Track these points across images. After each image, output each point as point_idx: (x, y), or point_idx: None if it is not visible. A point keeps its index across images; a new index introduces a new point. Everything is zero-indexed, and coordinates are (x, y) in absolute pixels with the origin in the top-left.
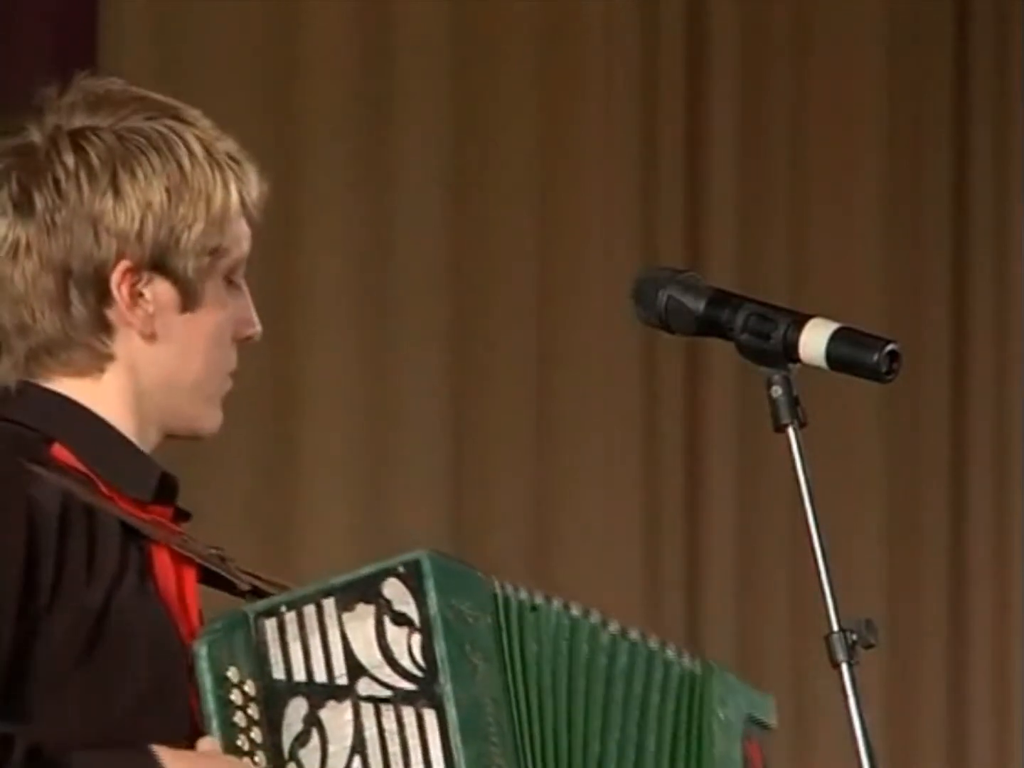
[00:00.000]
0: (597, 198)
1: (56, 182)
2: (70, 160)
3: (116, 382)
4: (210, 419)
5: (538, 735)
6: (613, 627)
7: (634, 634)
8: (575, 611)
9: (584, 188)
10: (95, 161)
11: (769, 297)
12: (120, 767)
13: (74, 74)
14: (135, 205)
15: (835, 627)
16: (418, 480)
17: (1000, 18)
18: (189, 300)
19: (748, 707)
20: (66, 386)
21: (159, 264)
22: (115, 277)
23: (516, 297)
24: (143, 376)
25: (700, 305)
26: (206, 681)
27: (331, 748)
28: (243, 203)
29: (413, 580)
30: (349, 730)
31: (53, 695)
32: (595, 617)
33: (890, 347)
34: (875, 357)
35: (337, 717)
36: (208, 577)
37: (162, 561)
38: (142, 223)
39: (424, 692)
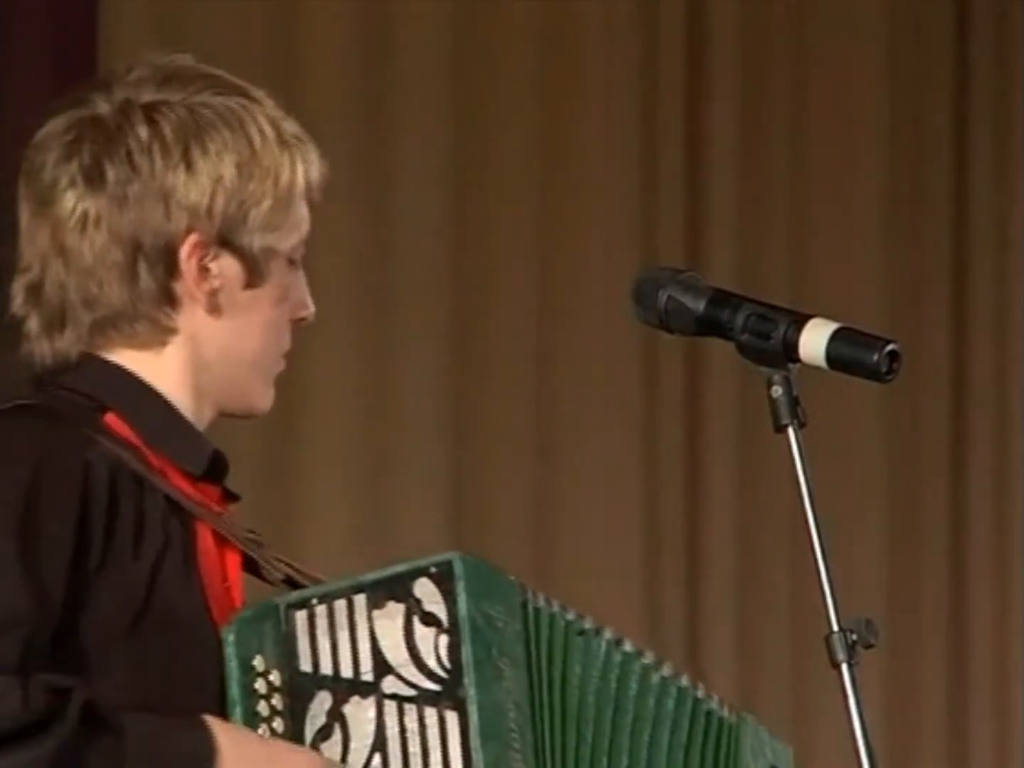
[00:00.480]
0: (597, 198)
1: (129, 155)
2: (144, 132)
3: (177, 356)
4: (263, 397)
5: (560, 748)
6: (666, 670)
7: (684, 680)
8: (628, 647)
9: (584, 188)
10: (168, 134)
11: (769, 297)
12: (173, 735)
13: (74, 74)
14: (206, 179)
15: (835, 627)
16: (418, 480)
17: (1000, 18)
18: (254, 277)
19: (773, 759)
20: (127, 358)
21: (227, 239)
22: (184, 251)
23: (516, 297)
24: (204, 350)
25: (700, 305)
26: (232, 668)
27: (352, 744)
28: (308, 184)
29: (444, 581)
30: (371, 727)
31: (99, 661)
32: (648, 658)
33: (890, 347)
34: (875, 357)
35: (361, 713)
36: (245, 563)
37: (205, 540)
38: (212, 198)
39: (448, 694)
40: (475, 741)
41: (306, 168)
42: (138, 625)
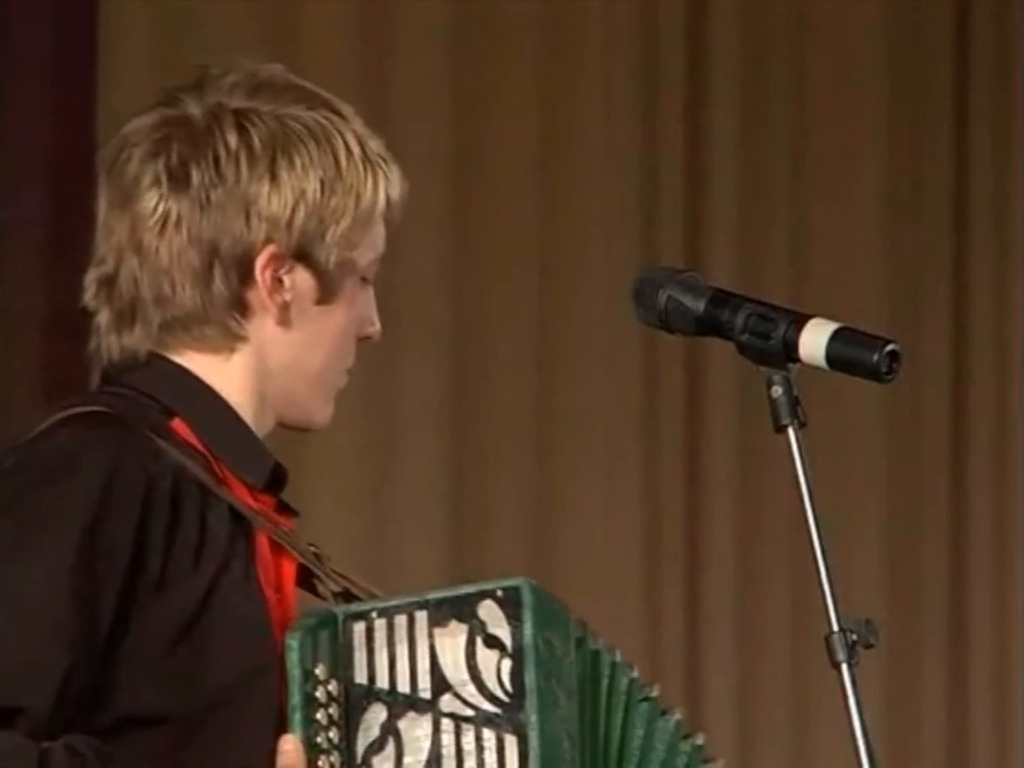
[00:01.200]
0: (597, 198)
1: (216, 159)
2: (233, 139)
3: (244, 363)
4: (323, 412)
5: None
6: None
7: None
8: (683, 732)
9: (584, 188)
10: (256, 143)
11: (769, 297)
12: None
13: (74, 75)
14: (289, 192)
15: (835, 627)
16: (418, 480)
17: (1000, 18)
18: (326, 293)
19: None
20: (195, 361)
21: (303, 254)
22: (260, 261)
23: (516, 297)
24: (270, 360)
25: (700, 305)
26: (295, 674)
27: (407, 759)
28: (388, 204)
29: (510, 606)
30: (427, 744)
31: (142, 675)
32: (700, 739)
33: (890, 347)
34: (875, 357)
35: (415, 729)
36: (300, 577)
37: (263, 550)
38: (294, 211)
39: (508, 717)
40: (534, 766)
41: (388, 187)
42: (186, 637)
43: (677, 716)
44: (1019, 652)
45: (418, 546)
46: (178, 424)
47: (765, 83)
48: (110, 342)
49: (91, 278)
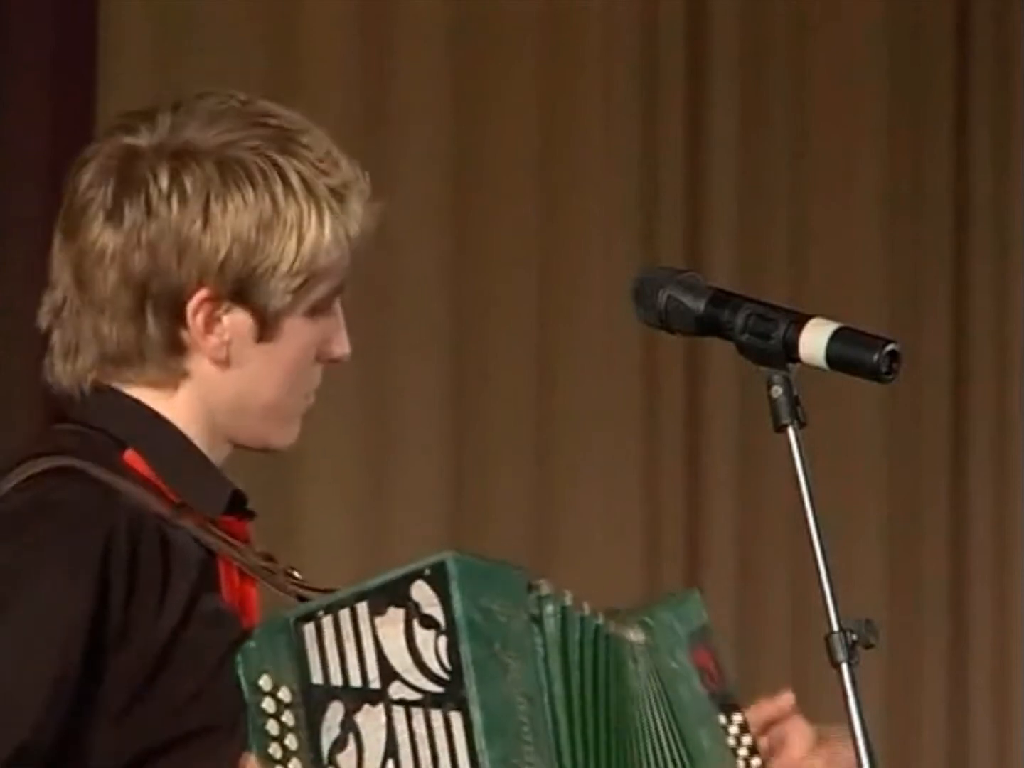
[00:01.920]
0: (597, 198)
1: (148, 199)
2: (164, 181)
3: (188, 397)
4: (282, 437)
5: (591, 738)
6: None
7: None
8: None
9: (584, 188)
10: (188, 187)
11: (769, 297)
12: None
13: (74, 75)
14: (222, 236)
15: (835, 627)
16: (418, 481)
17: (1000, 18)
18: (267, 332)
19: (684, 630)
20: (143, 394)
21: (240, 296)
22: (192, 304)
23: (516, 297)
24: (213, 396)
25: (700, 305)
26: (243, 689)
27: (366, 753)
28: (337, 239)
29: (439, 582)
30: (383, 734)
31: (114, 726)
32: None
33: (890, 347)
34: (875, 357)
35: (371, 721)
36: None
37: (228, 575)
38: (227, 256)
39: (450, 695)
40: (480, 739)
41: (337, 224)
42: (156, 681)
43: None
44: (1019, 652)
45: (418, 546)
46: (131, 456)
47: (765, 83)
48: (61, 368)
49: (46, 298)
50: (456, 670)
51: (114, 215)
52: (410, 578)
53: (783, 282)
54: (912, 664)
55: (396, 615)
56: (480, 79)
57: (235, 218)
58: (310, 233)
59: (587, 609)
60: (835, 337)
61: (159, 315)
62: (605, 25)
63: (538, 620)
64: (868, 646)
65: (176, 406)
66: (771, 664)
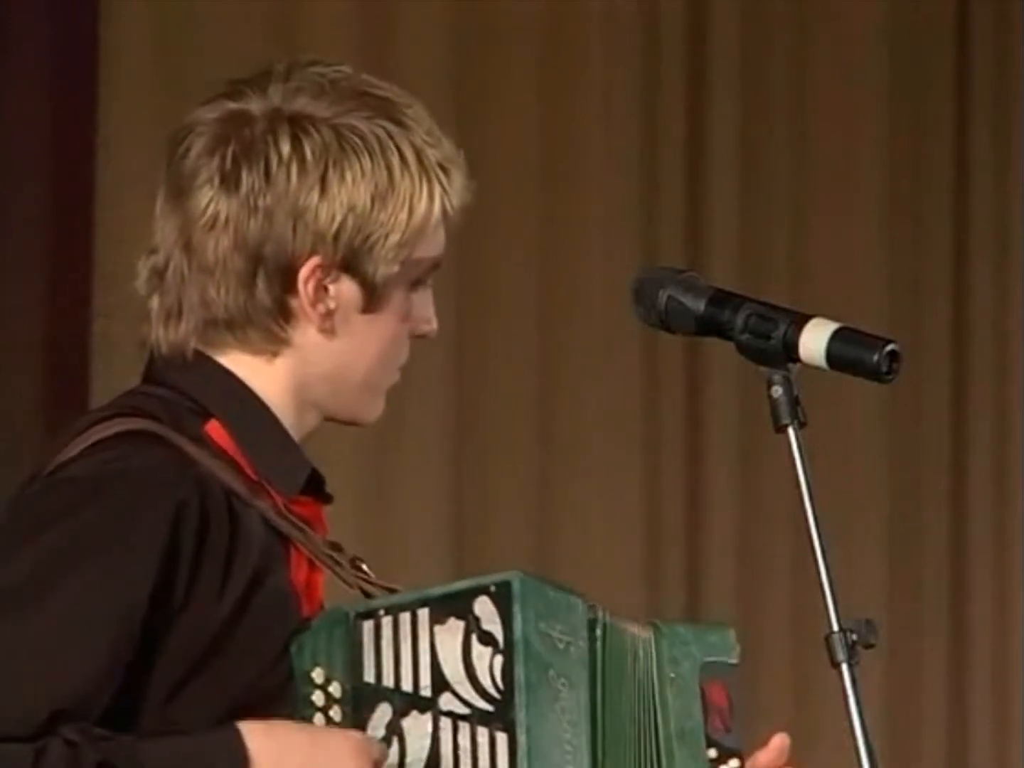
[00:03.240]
0: (597, 198)
1: (268, 166)
2: (285, 147)
3: (286, 366)
4: (371, 410)
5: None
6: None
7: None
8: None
9: (584, 188)
10: (308, 154)
11: (769, 297)
12: (197, 757)
13: (74, 75)
14: (338, 206)
15: (835, 627)
16: (419, 480)
17: (1000, 18)
18: (372, 302)
19: (703, 654)
20: (237, 362)
21: (350, 265)
22: (303, 272)
23: (516, 297)
24: (314, 367)
25: (700, 305)
26: (297, 678)
27: (408, 759)
28: (445, 212)
29: (502, 601)
30: (427, 743)
31: (167, 700)
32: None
33: (890, 347)
34: (875, 357)
35: (418, 728)
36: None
37: (298, 560)
38: (341, 225)
39: (499, 714)
40: (523, 763)
41: (445, 197)
42: (215, 657)
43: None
44: (1019, 652)
45: (420, 544)
46: (213, 427)
47: (765, 84)
48: (159, 334)
49: (143, 264)
50: (508, 690)
51: (229, 180)
52: (474, 592)
53: (783, 282)
54: (912, 664)
55: (456, 626)
56: (480, 79)
57: (352, 187)
58: (420, 205)
59: (635, 627)
60: (835, 337)
61: (270, 281)
62: (606, 25)
63: (594, 649)
64: (868, 646)
65: (271, 376)
66: (771, 664)
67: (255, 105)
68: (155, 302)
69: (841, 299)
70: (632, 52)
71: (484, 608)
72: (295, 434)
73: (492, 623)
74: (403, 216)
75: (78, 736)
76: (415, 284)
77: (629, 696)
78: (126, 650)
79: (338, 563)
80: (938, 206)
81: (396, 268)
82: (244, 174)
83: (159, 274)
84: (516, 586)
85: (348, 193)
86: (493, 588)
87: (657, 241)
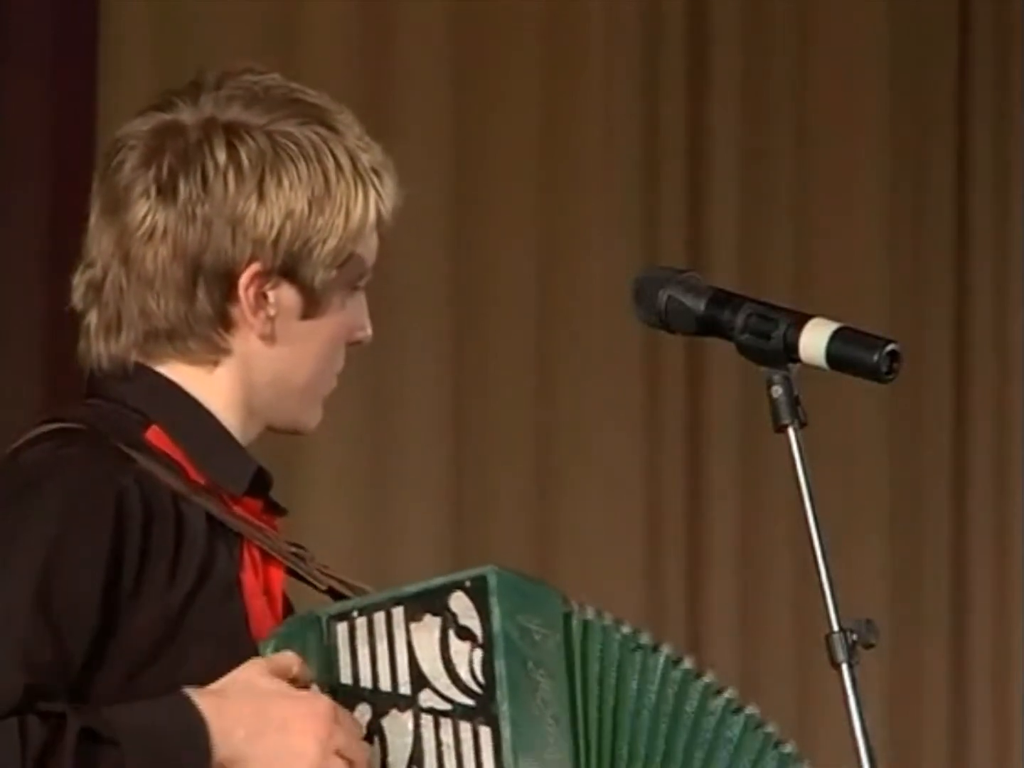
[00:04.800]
0: (597, 198)
1: (204, 175)
2: (222, 155)
3: (228, 375)
4: (312, 417)
5: (608, 763)
6: (729, 693)
7: (750, 708)
8: (687, 665)
9: (584, 188)
10: (245, 161)
11: (770, 298)
12: (163, 726)
13: (74, 74)
14: (276, 212)
15: (835, 627)
16: (419, 479)
17: (1000, 19)
18: (312, 308)
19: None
20: (179, 372)
21: (289, 271)
22: (243, 279)
23: (516, 297)
24: (255, 374)
25: (700, 305)
26: None
27: (390, 757)
28: (379, 217)
29: (478, 595)
30: (408, 740)
31: (118, 692)
32: (710, 679)
33: (890, 347)
34: (875, 357)
35: (398, 727)
36: (295, 572)
37: (251, 557)
38: (280, 231)
39: (481, 709)
40: (508, 756)
41: (379, 202)
42: (165, 652)
43: (686, 665)
44: (1019, 652)
45: (419, 543)
46: (154, 433)
47: (767, 83)
48: (98, 348)
49: (80, 279)
50: (489, 685)
51: (166, 191)
52: (449, 588)
53: (784, 282)
54: (912, 664)
55: (432, 623)
56: (480, 79)
57: (290, 193)
58: (357, 210)
59: (608, 619)
60: (835, 337)
61: (210, 289)
62: (606, 24)
63: (570, 641)
64: (868, 646)
65: (213, 386)
66: (771, 664)
67: (187, 115)
68: (93, 316)
69: (841, 299)
70: (632, 52)
71: (460, 603)
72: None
73: (469, 618)
74: (340, 221)
75: (58, 707)
76: (352, 291)
77: (608, 686)
78: (86, 630)
79: (299, 557)
80: (939, 207)
81: (334, 273)
82: (181, 184)
83: (96, 288)
84: (492, 580)
85: (286, 199)
86: (468, 583)
87: (657, 241)
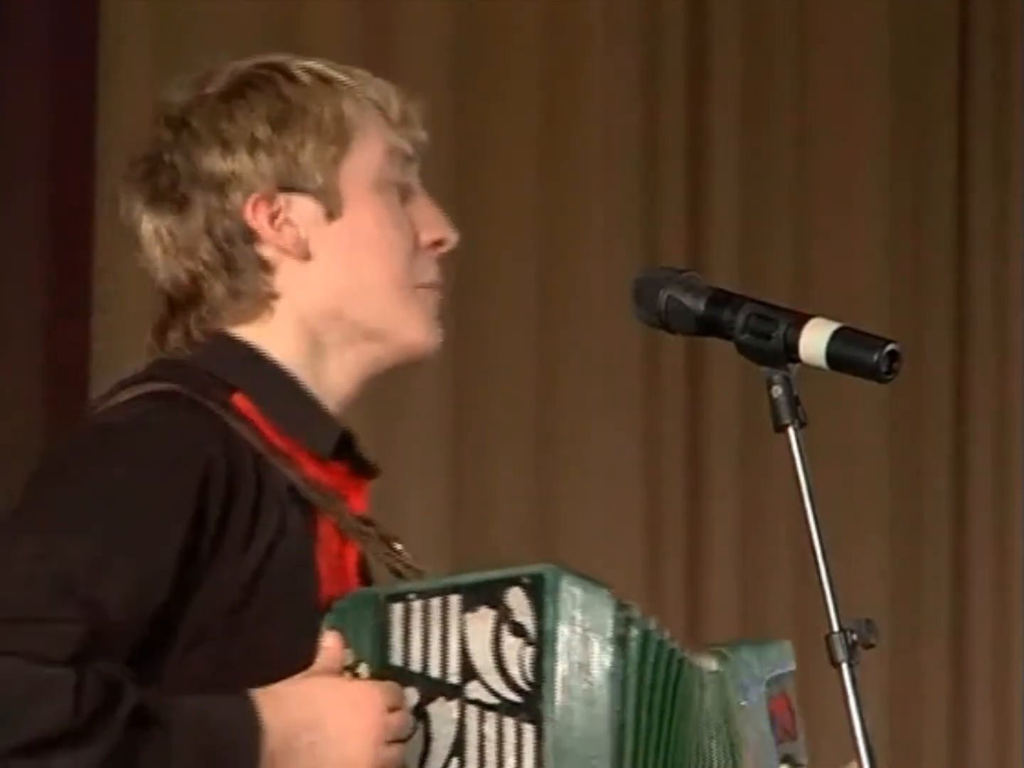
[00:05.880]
0: (597, 198)
1: (173, 164)
2: (168, 136)
3: (287, 317)
4: (417, 329)
5: (643, 759)
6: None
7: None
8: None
9: (584, 188)
10: (198, 126)
11: (770, 298)
12: (218, 721)
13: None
14: (243, 146)
15: (835, 627)
16: (419, 479)
17: (1001, 20)
18: (332, 207)
19: (766, 670)
20: (245, 334)
21: (287, 186)
22: (248, 213)
23: (516, 297)
24: (314, 304)
25: (700, 305)
26: None
27: (432, 745)
28: (358, 104)
29: (535, 593)
30: (452, 729)
31: (192, 652)
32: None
33: (890, 347)
34: (875, 357)
35: (443, 715)
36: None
37: (326, 530)
38: (254, 159)
39: (527, 707)
40: (549, 756)
41: (356, 92)
42: (236, 619)
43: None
44: (1019, 652)
45: (419, 543)
46: (239, 399)
47: (767, 84)
48: (162, 341)
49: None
50: (537, 683)
51: (149, 200)
52: (507, 582)
53: (784, 282)
54: (912, 664)
55: (487, 615)
56: (480, 79)
57: (246, 124)
58: (326, 108)
59: (667, 634)
60: (835, 337)
61: (234, 245)
62: (606, 24)
63: (622, 642)
64: (868, 646)
65: (279, 335)
66: None
67: (165, 135)
68: (157, 317)
69: (841, 299)
70: (632, 52)
71: (517, 599)
72: (325, 394)
73: (524, 614)
74: (310, 123)
75: (118, 672)
76: (379, 185)
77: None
78: (157, 592)
79: (365, 535)
80: (939, 207)
81: (332, 168)
82: (156, 181)
83: (160, 292)
84: (550, 579)
85: (244, 131)
86: (527, 580)
87: (657, 241)
